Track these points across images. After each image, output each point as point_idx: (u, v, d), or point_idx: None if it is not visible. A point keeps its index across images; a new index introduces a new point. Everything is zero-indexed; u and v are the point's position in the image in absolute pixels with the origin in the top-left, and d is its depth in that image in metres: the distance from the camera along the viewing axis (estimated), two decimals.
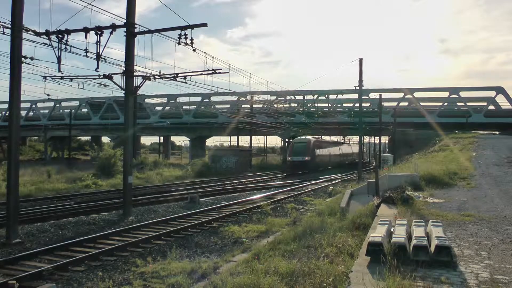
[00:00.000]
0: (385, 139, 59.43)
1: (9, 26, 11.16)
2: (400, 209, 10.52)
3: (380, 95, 38.87)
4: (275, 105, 47.15)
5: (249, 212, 16.26)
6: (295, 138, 49.36)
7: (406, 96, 48.73)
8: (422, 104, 49.18)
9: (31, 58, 12.37)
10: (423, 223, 7.82)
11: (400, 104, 49.61)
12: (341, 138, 69.49)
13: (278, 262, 7.50)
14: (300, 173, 40.39)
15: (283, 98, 43.50)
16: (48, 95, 17.20)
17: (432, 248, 6.21)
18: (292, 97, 47.69)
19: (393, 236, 6.80)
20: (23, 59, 11.92)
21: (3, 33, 11.05)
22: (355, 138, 67.54)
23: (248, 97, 41.55)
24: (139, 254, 10.07)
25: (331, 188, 24.18)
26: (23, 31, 11.74)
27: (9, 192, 11.68)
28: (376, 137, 60.27)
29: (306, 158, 43.35)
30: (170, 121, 55.21)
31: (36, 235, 12.01)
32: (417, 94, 49.14)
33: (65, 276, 8.43)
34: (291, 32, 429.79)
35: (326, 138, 60.35)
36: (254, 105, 50.72)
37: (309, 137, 48.65)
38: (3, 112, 64.02)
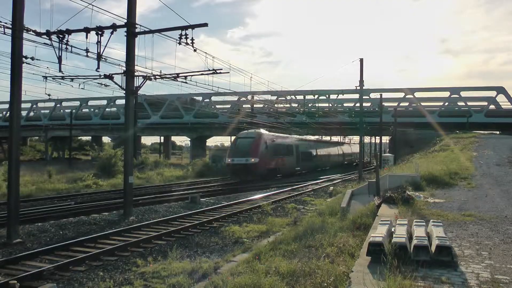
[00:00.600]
0: (385, 139, 59.39)
1: (10, 26, 11.17)
2: (401, 209, 10.51)
3: (381, 95, 38.80)
4: (275, 105, 47.02)
5: (249, 212, 16.26)
6: (240, 132, 35.82)
7: (407, 96, 48.70)
8: (422, 104, 49.14)
9: (32, 58, 12.40)
10: (424, 223, 7.81)
11: (401, 104, 49.58)
12: (341, 138, 69.34)
13: (279, 262, 7.50)
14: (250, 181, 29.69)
15: (283, 98, 43.20)
16: (48, 95, 17.18)
17: (433, 248, 6.20)
18: (292, 97, 47.59)
19: (393, 236, 6.79)
20: (24, 59, 11.93)
21: (4, 33, 11.07)
22: (356, 138, 67.42)
23: (249, 97, 41.49)
24: (139, 254, 10.07)
25: (331, 188, 24.16)
26: (24, 31, 11.75)
27: (10, 192, 11.70)
28: (376, 137, 60.38)
29: (253, 160, 30.95)
30: (171, 121, 55.42)
31: (36, 235, 12.02)
32: (417, 94, 49.12)
33: (66, 276, 8.43)
34: (291, 32, 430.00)
35: (297, 136, 44.42)
36: (254, 105, 50.69)
37: (263, 130, 35.15)
38: (4, 112, 64.10)
